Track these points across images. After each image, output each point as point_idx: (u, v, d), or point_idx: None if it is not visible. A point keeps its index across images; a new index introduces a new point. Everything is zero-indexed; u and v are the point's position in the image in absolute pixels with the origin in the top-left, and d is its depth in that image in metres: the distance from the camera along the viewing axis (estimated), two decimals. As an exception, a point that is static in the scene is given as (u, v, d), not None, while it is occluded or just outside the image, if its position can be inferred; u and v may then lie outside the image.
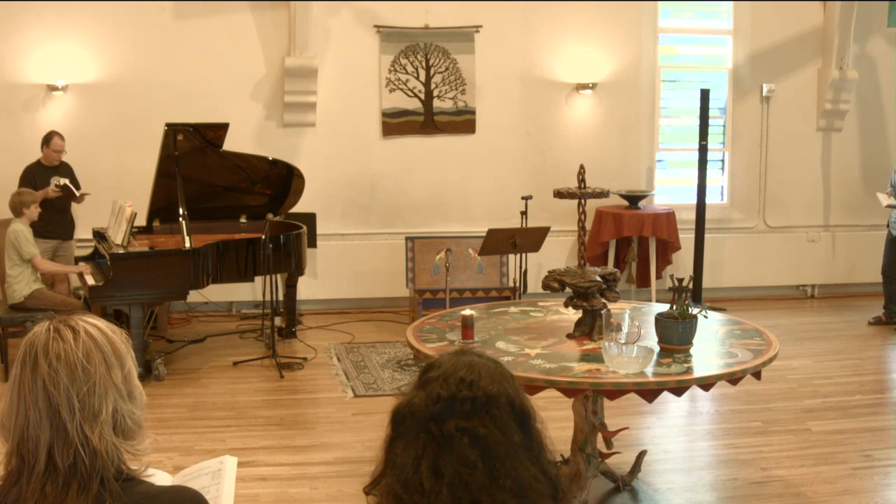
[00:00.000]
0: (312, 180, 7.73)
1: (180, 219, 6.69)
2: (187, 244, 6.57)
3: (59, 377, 1.61)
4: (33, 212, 6.64)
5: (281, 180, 7.47)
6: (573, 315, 4.78)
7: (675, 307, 4.45)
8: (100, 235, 7.10)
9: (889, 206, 8.12)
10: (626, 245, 8.81)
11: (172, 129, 6.77)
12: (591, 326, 4.58)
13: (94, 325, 1.69)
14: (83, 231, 7.57)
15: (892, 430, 5.58)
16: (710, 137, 8.56)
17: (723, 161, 9.27)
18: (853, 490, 4.70)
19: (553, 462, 1.60)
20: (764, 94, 9.06)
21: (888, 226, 8.20)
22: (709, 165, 8.62)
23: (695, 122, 8.58)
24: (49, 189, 7.03)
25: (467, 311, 4.71)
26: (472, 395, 1.54)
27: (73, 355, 1.63)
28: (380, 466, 1.59)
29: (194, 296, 7.16)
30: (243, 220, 7.57)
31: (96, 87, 7.97)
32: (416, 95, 8.50)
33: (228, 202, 7.52)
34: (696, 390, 4.59)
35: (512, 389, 1.58)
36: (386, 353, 7.20)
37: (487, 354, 1.66)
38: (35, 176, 7.15)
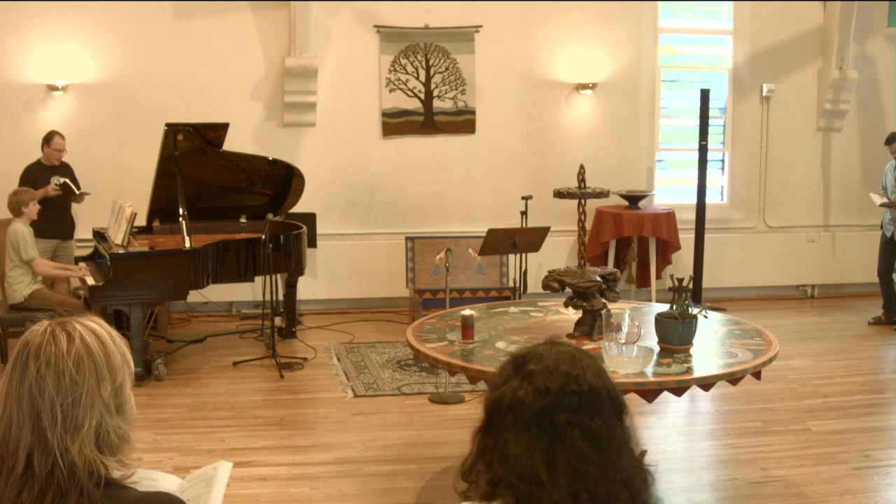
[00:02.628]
0: (312, 180, 7.73)
1: (180, 219, 6.69)
2: (187, 244, 6.57)
3: (46, 384, 1.58)
4: (32, 210, 6.64)
5: (281, 180, 7.47)
6: (573, 315, 4.78)
7: (675, 307, 4.45)
8: (100, 235, 7.10)
9: (883, 206, 8.13)
10: (626, 245, 8.81)
11: (172, 129, 6.77)
12: (591, 326, 4.59)
13: (92, 331, 1.65)
14: (83, 231, 7.56)
15: (892, 430, 5.59)
16: (710, 137, 8.55)
17: (723, 161, 9.27)
18: (853, 490, 4.70)
19: (643, 452, 1.65)
20: (764, 94, 9.06)
21: (881, 227, 8.22)
22: (709, 165, 8.62)
23: (695, 122, 8.58)
24: (49, 188, 7.03)
25: (467, 311, 4.71)
26: (580, 388, 1.57)
27: (62, 363, 1.59)
28: (473, 453, 1.61)
29: (194, 296, 7.16)
30: (243, 220, 7.57)
31: (96, 87, 7.97)
32: (416, 95, 8.50)
33: (228, 202, 7.52)
34: (696, 390, 4.59)
35: (610, 383, 1.62)
36: (386, 353, 7.20)
37: (577, 346, 1.69)
38: (35, 175, 7.14)
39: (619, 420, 1.59)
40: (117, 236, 6.65)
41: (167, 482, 1.79)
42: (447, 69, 8.51)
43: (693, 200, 8.59)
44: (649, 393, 4.04)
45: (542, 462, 1.53)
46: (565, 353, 1.62)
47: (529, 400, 1.56)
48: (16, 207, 6.61)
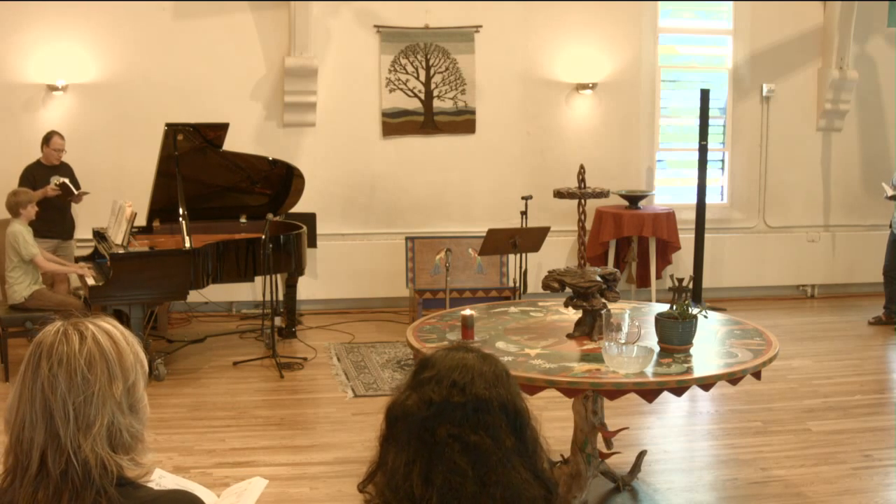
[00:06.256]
0: (312, 180, 7.73)
1: (180, 219, 6.69)
2: (187, 244, 6.57)
3: (58, 382, 1.59)
4: (30, 211, 6.63)
5: (281, 180, 7.47)
6: (573, 315, 4.78)
7: (675, 307, 4.45)
8: (100, 235, 7.10)
9: (890, 198, 8.08)
10: (626, 245, 8.81)
11: (172, 129, 6.77)
12: (591, 326, 4.58)
13: (104, 331, 1.66)
14: (83, 231, 7.57)
15: (892, 430, 5.59)
16: (710, 137, 8.55)
17: (723, 161, 9.27)
18: (853, 490, 4.70)
19: (547, 461, 1.58)
20: (764, 94, 9.06)
21: (891, 226, 8.19)
22: (709, 165, 8.62)
23: (695, 122, 8.58)
24: (48, 188, 7.03)
25: (467, 311, 4.71)
26: (464, 399, 1.50)
27: (75, 362, 1.60)
28: (374, 464, 1.57)
29: (194, 296, 7.16)
30: (243, 220, 7.57)
31: (96, 87, 7.97)
32: (416, 95, 8.50)
33: (228, 202, 7.52)
34: (696, 390, 4.59)
35: (505, 391, 1.54)
36: (386, 353, 7.20)
37: (482, 351, 1.61)
38: (35, 175, 7.15)
39: (513, 431, 1.52)
40: (117, 236, 6.65)
41: (202, 494, 1.80)
42: (447, 69, 8.51)
43: (693, 200, 8.58)
44: (649, 393, 4.04)
45: (420, 477, 1.46)
46: (459, 361, 1.55)
47: (413, 410, 1.50)
48: (14, 208, 6.60)
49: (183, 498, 1.69)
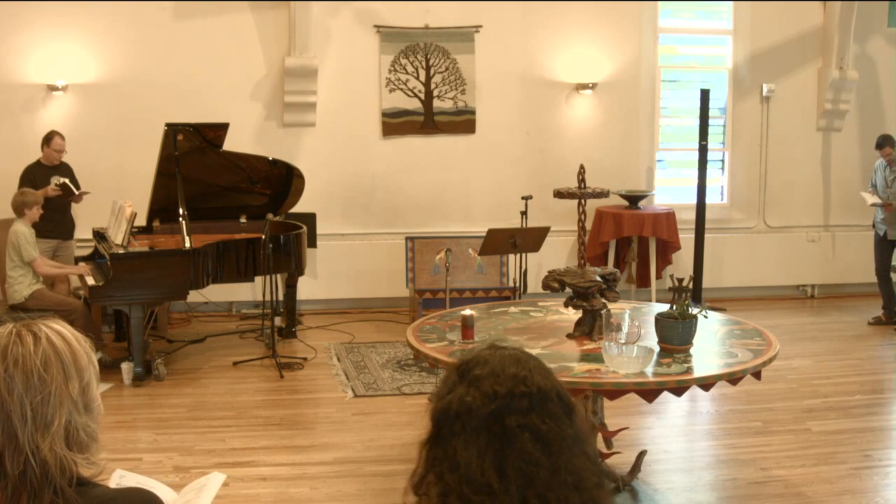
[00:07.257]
0: (312, 180, 7.73)
1: (180, 219, 6.69)
2: (187, 244, 6.57)
3: (14, 383, 1.59)
4: (35, 213, 6.64)
5: (281, 180, 7.47)
6: (573, 315, 4.78)
7: (675, 307, 4.45)
8: (100, 235, 7.10)
9: (874, 205, 8.13)
10: (626, 245, 8.81)
11: (172, 129, 6.77)
12: (591, 326, 4.58)
13: (57, 332, 1.67)
14: (83, 231, 7.56)
15: (892, 430, 5.59)
16: (710, 137, 8.56)
17: (723, 161, 9.27)
18: (853, 490, 4.70)
19: (596, 451, 1.62)
20: (764, 94, 9.06)
21: (874, 226, 8.23)
22: (709, 165, 8.62)
23: (695, 122, 8.58)
24: (49, 188, 7.03)
25: (467, 311, 4.71)
26: (528, 390, 1.54)
27: (30, 362, 1.60)
28: (422, 466, 1.58)
29: (194, 296, 7.16)
30: (243, 220, 7.57)
31: (96, 87, 7.97)
32: (416, 95, 8.50)
33: (228, 202, 7.52)
34: (696, 390, 4.59)
35: (558, 383, 1.59)
36: (386, 353, 7.20)
37: (519, 348, 1.66)
38: (35, 175, 7.14)
39: (569, 420, 1.56)
40: (117, 236, 6.65)
41: (162, 492, 1.81)
42: (447, 69, 8.51)
43: (693, 200, 8.59)
44: (649, 393, 4.04)
45: (493, 468, 1.49)
46: (510, 356, 1.59)
47: (478, 405, 1.52)
48: (19, 208, 6.61)
49: (137, 496, 1.70)
